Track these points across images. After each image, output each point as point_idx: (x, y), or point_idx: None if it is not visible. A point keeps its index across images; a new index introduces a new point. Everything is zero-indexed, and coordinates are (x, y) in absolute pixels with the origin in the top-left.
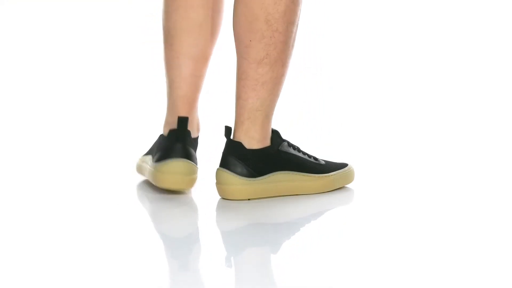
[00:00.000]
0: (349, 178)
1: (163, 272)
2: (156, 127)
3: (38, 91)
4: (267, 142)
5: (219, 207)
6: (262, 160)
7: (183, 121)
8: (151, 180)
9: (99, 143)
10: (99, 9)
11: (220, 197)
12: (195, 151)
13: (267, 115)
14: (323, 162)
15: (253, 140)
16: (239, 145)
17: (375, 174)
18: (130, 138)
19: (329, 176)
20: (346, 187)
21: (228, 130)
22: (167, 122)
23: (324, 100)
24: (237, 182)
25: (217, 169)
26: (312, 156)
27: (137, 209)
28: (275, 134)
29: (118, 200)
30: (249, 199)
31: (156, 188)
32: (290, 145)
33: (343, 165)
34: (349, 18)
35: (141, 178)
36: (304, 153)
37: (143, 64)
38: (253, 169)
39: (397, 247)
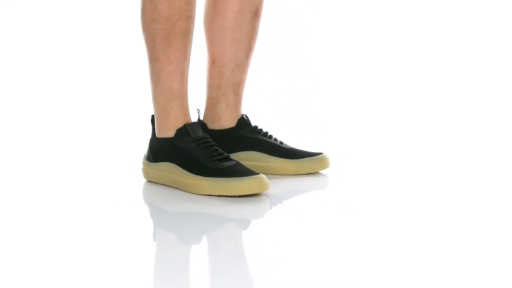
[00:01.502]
0: (229, 188)
1: (161, 266)
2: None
3: (38, 91)
4: (165, 135)
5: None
6: (158, 149)
7: None
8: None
9: (99, 143)
10: (99, 9)
11: None
12: None
13: (154, 107)
14: (222, 166)
15: (156, 129)
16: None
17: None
18: (130, 138)
19: (202, 179)
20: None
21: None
22: None
23: (310, 99)
24: (142, 163)
25: None
26: (221, 156)
27: (137, 209)
28: (187, 127)
29: (118, 200)
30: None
31: (154, 188)
32: (194, 141)
33: (243, 174)
34: (334, 18)
35: (140, 178)
36: (212, 153)
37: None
38: (152, 155)
39: (397, 247)
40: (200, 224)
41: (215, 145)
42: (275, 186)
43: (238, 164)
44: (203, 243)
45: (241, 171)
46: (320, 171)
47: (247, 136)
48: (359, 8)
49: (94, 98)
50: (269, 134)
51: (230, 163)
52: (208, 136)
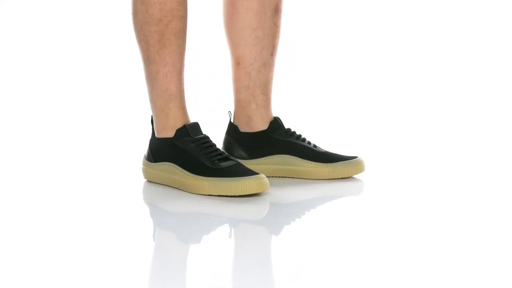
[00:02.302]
0: (229, 188)
1: (165, 264)
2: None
3: (38, 92)
4: (164, 133)
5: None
6: (158, 149)
7: None
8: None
9: (99, 143)
10: (99, 9)
11: None
12: None
13: (152, 109)
14: (222, 166)
15: (155, 130)
16: None
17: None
18: (130, 138)
19: (202, 179)
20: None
21: None
22: None
23: (304, 105)
24: (142, 163)
25: None
26: (221, 156)
27: (137, 209)
28: (186, 127)
29: (118, 200)
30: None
31: (154, 188)
32: (194, 141)
33: (243, 173)
34: (329, 23)
35: (140, 178)
36: (212, 154)
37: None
38: (152, 155)
39: (398, 247)
40: (200, 224)
41: (215, 145)
42: (307, 190)
43: (238, 164)
44: (202, 243)
45: (241, 171)
46: (354, 176)
47: (279, 139)
48: (354, 13)
49: (94, 99)
50: (302, 137)
51: (230, 163)
52: (208, 136)
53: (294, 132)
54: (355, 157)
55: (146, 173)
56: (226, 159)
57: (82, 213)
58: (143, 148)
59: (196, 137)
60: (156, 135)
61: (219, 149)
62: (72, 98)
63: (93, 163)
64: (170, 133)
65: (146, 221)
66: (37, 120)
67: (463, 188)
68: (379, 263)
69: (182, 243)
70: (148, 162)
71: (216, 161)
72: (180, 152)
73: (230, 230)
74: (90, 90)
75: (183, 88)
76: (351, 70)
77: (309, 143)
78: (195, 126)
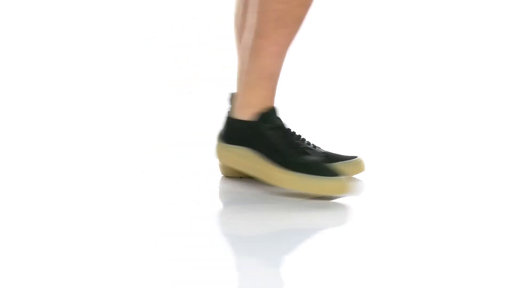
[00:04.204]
0: (312, 187)
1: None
2: (157, 126)
3: (38, 91)
4: (245, 115)
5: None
6: (235, 131)
7: None
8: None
9: (99, 143)
10: (98, 8)
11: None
12: None
13: (241, 83)
14: (307, 160)
15: (235, 108)
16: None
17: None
18: (130, 138)
19: (285, 172)
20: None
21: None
22: None
23: (311, 106)
24: (217, 141)
25: None
26: (307, 148)
27: (136, 207)
28: (270, 112)
29: (118, 200)
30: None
31: (156, 187)
32: (277, 128)
33: (329, 173)
34: (332, 24)
35: (141, 177)
36: (292, 145)
37: (145, 63)
38: (227, 135)
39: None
40: (202, 224)
41: (301, 135)
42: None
43: (323, 160)
44: (202, 243)
45: (327, 170)
46: (354, 176)
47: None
48: (353, 14)
49: (94, 99)
50: (302, 137)
51: (315, 158)
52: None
53: (294, 133)
54: (355, 157)
55: (220, 155)
56: (311, 152)
57: (82, 213)
58: (143, 148)
59: (280, 124)
60: (235, 115)
61: (305, 140)
62: (72, 98)
63: (93, 163)
64: (252, 113)
65: (146, 221)
66: (37, 119)
67: (463, 187)
68: (379, 263)
69: (182, 243)
70: (224, 144)
71: (299, 154)
72: (262, 138)
73: (231, 231)
74: (91, 90)
75: (280, 72)
76: (351, 71)
77: (308, 143)
78: (279, 113)
